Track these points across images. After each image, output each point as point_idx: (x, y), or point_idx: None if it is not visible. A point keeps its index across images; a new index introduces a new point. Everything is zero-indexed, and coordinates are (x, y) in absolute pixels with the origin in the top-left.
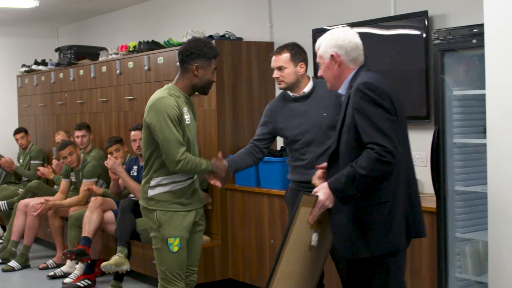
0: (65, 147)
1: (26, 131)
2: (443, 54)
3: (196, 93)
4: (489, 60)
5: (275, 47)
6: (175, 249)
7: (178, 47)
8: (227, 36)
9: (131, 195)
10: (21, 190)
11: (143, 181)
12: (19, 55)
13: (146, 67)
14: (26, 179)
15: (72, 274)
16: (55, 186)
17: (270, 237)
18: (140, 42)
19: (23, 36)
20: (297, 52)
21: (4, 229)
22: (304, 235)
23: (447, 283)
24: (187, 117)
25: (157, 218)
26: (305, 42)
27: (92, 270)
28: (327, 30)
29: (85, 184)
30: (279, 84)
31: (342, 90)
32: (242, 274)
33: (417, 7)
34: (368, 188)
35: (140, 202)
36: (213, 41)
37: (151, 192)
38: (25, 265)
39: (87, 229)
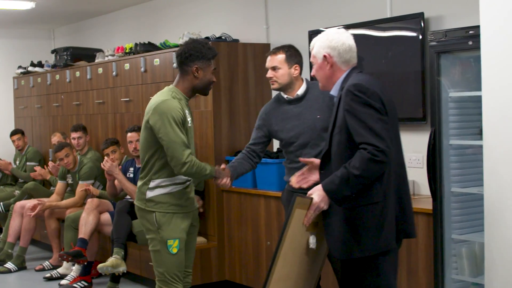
0: (62, 149)
1: (22, 133)
2: (439, 56)
3: (196, 94)
4: (485, 62)
5: (271, 49)
6: (175, 250)
7: (174, 49)
8: (223, 37)
9: (128, 197)
10: (17, 192)
11: (140, 182)
12: (15, 57)
13: (142, 69)
14: (22, 180)
15: (69, 275)
16: (52, 188)
17: (267, 238)
18: (136, 44)
19: (19, 37)
20: (292, 54)
21: (0, 231)
22: (300, 238)
23: (444, 284)
24: (189, 120)
25: (156, 219)
26: (301, 44)
27: (88, 272)
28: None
29: (82, 186)
30: (272, 84)
31: (334, 91)
32: (239, 275)
33: (413, 9)
34: (362, 188)
35: (136, 203)
36: (209, 43)
37: (150, 194)
38: (21, 267)
39: (84, 231)
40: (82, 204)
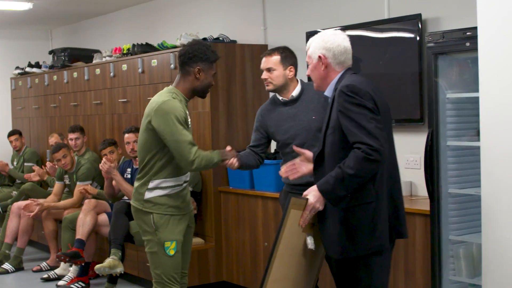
0: (59, 150)
1: (20, 133)
2: (437, 57)
3: (194, 96)
4: (483, 63)
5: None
6: (172, 252)
7: (172, 50)
8: (221, 38)
9: (125, 198)
10: (14, 193)
11: (138, 183)
12: (13, 57)
13: (140, 70)
14: (19, 181)
15: (66, 276)
16: (49, 188)
17: (264, 239)
18: (134, 45)
19: (17, 38)
20: (287, 55)
21: None
22: (296, 239)
23: (441, 285)
24: (189, 121)
25: (153, 221)
26: (299, 45)
27: (86, 273)
28: None
29: (80, 186)
30: (267, 85)
31: (328, 92)
32: (236, 276)
33: (411, 10)
34: (357, 187)
35: (133, 203)
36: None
37: (148, 194)
38: (18, 268)
39: (81, 232)
40: (80, 205)
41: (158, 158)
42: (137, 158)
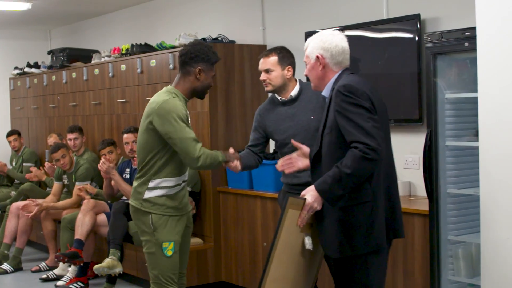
0: (58, 150)
1: (19, 134)
2: (436, 57)
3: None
4: (481, 63)
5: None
6: (169, 253)
7: (170, 50)
8: (219, 39)
9: (124, 198)
10: (13, 193)
11: (137, 182)
12: (12, 58)
13: (138, 70)
14: (18, 181)
15: (65, 276)
16: (48, 189)
17: (263, 239)
18: (132, 45)
19: (16, 38)
20: (284, 55)
21: None
22: (294, 238)
23: (440, 285)
24: (189, 120)
25: (152, 222)
26: (298, 45)
27: (84, 273)
28: None
29: (79, 186)
30: (266, 86)
31: (325, 92)
32: (235, 276)
33: (410, 10)
34: (355, 187)
35: (131, 202)
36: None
37: (148, 194)
38: (17, 268)
39: (80, 232)
40: (78, 205)
41: (159, 157)
42: (135, 158)
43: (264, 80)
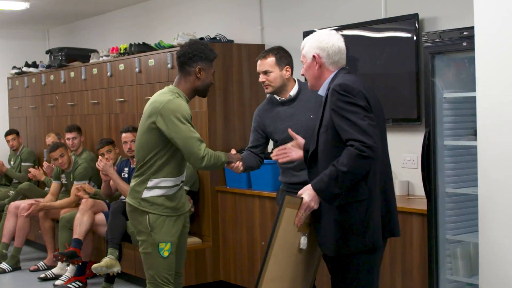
0: (56, 149)
1: (17, 133)
2: (434, 57)
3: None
4: (480, 63)
5: (263, 51)
6: (166, 254)
7: (169, 49)
8: (218, 38)
9: (122, 197)
10: (11, 192)
11: (136, 181)
12: (10, 57)
13: (137, 69)
14: (16, 181)
15: (63, 276)
16: (46, 188)
17: (261, 239)
18: (131, 44)
19: (14, 38)
20: (282, 56)
21: None
22: (291, 237)
23: (438, 284)
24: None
25: (149, 222)
26: (296, 45)
27: (83, 272)
28: None
29: (77, 186)
30: (266, 88)
31: (321, 91)
32: (234, 276)
33: (408, 10)
34: (352, 185)
35: (128, 201)
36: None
37: (147, 193)
38: (16, 267)
39: (78, 231)
40: (77, 204)
41: (159, 157)
42: (134, 158)
43: (263, 82)
